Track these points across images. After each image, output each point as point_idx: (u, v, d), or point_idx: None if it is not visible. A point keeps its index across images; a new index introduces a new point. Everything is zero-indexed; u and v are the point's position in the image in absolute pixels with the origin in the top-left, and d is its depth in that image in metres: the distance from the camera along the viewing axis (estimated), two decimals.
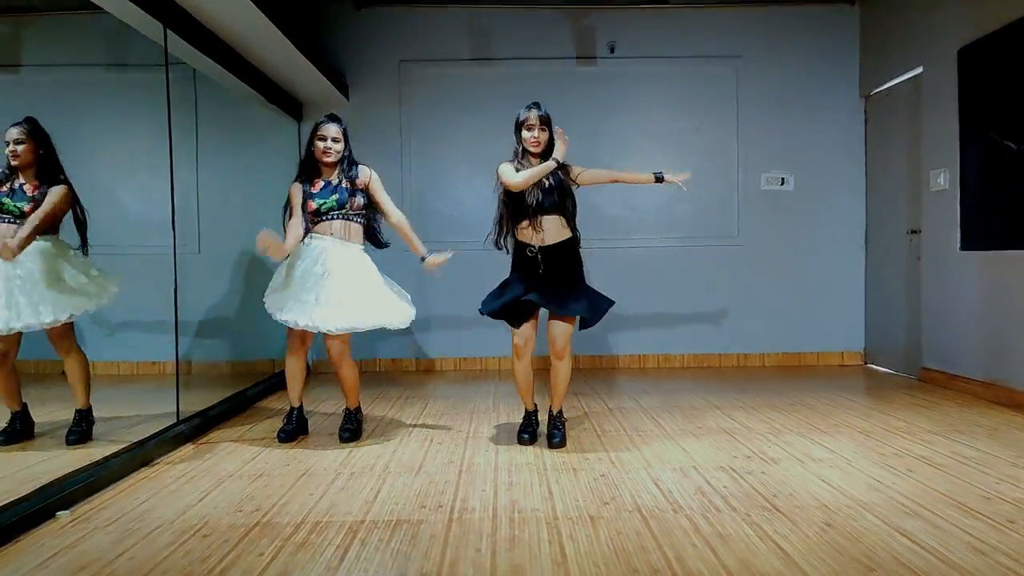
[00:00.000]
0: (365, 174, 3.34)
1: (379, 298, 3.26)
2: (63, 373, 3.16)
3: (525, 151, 3.14)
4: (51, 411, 3.38)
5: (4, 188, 3.08)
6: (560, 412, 3.26)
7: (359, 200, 3.29)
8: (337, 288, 3.16)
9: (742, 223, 5.52)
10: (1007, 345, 3.99)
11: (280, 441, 3.32)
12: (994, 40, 4.03)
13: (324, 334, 3.19)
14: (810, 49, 5.48)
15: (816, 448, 3.11)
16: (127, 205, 4.66)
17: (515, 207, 3.11)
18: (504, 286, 3.17)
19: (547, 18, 5.43)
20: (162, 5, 3.37)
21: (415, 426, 3.67)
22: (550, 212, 3.08)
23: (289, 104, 5.24)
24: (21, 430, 3.12)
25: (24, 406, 3.14)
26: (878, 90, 5.31)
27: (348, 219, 3.28)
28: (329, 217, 3.25)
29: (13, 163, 3.06)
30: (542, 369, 3.91)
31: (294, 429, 3.39)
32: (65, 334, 3.08)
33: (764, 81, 5.48)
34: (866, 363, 5.51)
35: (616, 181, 3.32)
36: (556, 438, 3.17)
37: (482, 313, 3.17)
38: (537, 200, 3.06)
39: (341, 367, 3.32)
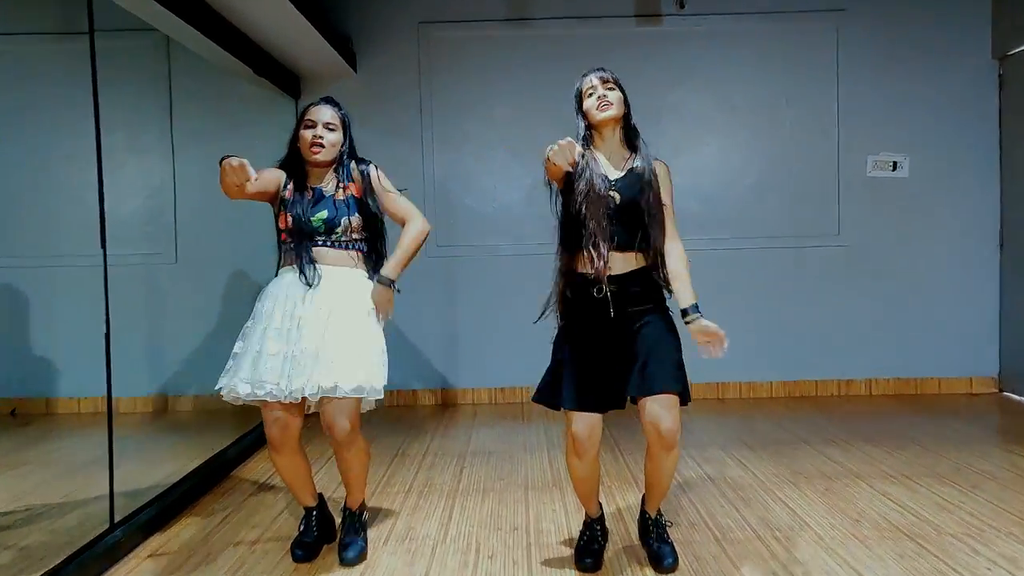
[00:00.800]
0: (370, 175, 2.29)
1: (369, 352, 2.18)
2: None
3: (590, 129, 2.12)
4: None
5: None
6: (659, 514, 2.23)
7: (356, 220, 2.24)
8: (321, 333, 2.12)
9: (844, 218, 4.47)
10: None
11: (296, 559, 2.23)
12: None
13: (320, 405, 2.16)
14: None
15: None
16: (63, 204, 3.72)
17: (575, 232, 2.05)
18: (564, 360, 2.07)
19: None
20: None
21: (451, 517, 2.65)
22: (625, 249, 2.04)
23: (285, 78, 4.26)
24: None
25: None
26: (1017, 50, 4.23)
27: (342, 247, 2.24)
28: (312, 243, 2.21)
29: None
30: None
31: (316, 541, 2.31)
32: None
33: (872, 40, 4.43)
34: (1001, 391, 4.45)
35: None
36: (668, 558, 2.12)
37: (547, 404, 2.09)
38: (607, 234, 2.01)
39: (342, 448, 2.19)
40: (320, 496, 2.36)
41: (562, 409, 2.04)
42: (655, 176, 2.09)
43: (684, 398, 2.03)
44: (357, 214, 2.24)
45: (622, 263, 2.03)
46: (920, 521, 2.44)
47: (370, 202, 2.26)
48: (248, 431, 3.64)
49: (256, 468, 3.29)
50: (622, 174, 2.09)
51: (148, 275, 4.01)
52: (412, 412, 4.34)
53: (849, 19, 4.43)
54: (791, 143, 4.47)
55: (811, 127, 4.47)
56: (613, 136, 2.13)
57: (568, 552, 2.26)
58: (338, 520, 2.37)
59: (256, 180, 2.00)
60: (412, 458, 3.36)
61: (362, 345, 2.14)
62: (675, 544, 2.19)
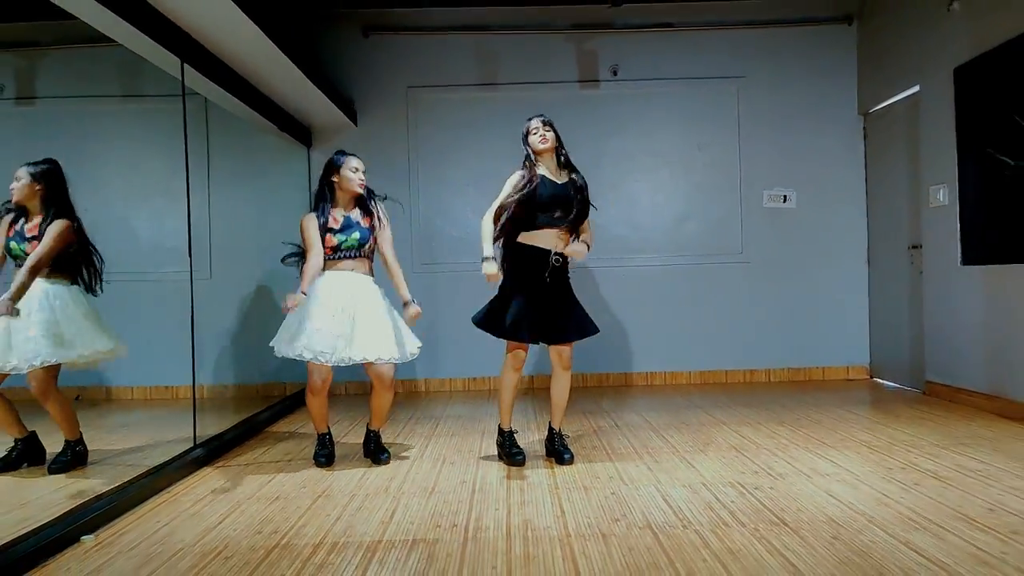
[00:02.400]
0: (384, 216, 3.41)
1: (401, 328, 3.36)
2: (77, 398, 3.22)
3: (531, 157, 3.22)
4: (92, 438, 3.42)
5: (12, 232, 3.07)
6: (561, 429, 3.37)
7: (370, 241, 3.36)
8: (371, 319, 3.24)
9: (746, 240, 5.59)
10: (1010, 358, 4.03)
11: (320, 465, 3.36)
12: (990, 59, 4.12)
13: (365, 365, 3.27)
14: (810, 68, 5.58)
15: (823, 463, 3.16)
16: (141, 233, 4.76)
17: (531, 210, 3.15)
18: (507, 301, 3.18)
19: (551, 43, 5.55)
20: (179, 39, 3.48)
21: (427, 447, 3.73)
22: (564, 231, 3.22)
23: (299, 131, 5.36)
24: (24, 456, 3.11)
25: (32, 433, 3.13)
26: (876, 108, 5.40)
27: (365, 257, 3.36)
28: (347, 255, 3.31)
29: (12, 200, 3.08)
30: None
31: (331, 452, 3.45)
32: (43, 378, 3.01)
33: (765, 100, 5.58)
34: (871, 377, 5.55)
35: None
36: (567, 454, 3.24)
37: (481, 326, 3.27)
38: (560, 214, 3.17)
39: (388, 391, 3.37)
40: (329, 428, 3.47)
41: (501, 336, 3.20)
42: (586, 186, 3.27)
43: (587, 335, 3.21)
44: (371, 237, 3.36)
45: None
46: (745, 442, 3.51)
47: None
48: (275, 402, 4.68)
49: (281, 427, 4.32)
50: (564, 181, 3.24)
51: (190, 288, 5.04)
52: (408, 396, 5.38)
53: (747, 84, 5.60)
54: (703, 180, 5.60)
55: (719, 168, 5.61)
56: (546, 155, 3.24)
57: (506, 465, 3.31)
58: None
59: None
60: (403, 419, 4.41)
61: (395, 325, 3.32)
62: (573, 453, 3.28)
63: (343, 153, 3.40)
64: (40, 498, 2.85)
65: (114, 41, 3.28)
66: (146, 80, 4.27)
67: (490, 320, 3.21)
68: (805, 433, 3.74)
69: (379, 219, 3.38)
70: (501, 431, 3.35)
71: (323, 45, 5.52)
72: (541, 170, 3.22)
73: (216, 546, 2.38)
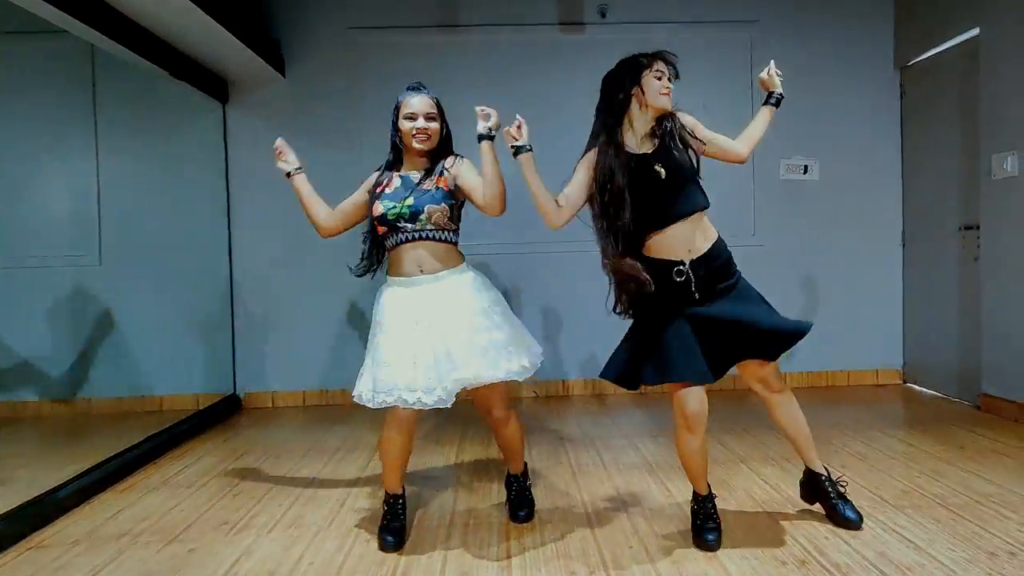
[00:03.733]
0: (460, 166, 2.34)
1: (508, 333, 2.28)
2: None
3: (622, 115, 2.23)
4: None
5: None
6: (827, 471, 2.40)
7: (444, 208, 2.27)
8: (456, 329, 2.21)
9: (759, 219, 4.68)
10: None
11: (386, 548, 2.27)
12: None
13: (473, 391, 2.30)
14: (837, 11, 4.65)
15: (892, 542, 2.25)
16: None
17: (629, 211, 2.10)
18: (645, 336, 2.16)
19: None
20: None
21: (356, 495, 2.79)
22: (687, 215, 2.17)
23: (211, 83, 4.33)
24: None
25: None
26: (919, 59, 4.47)
27: (431, 238, 2.27)
28: (403, 236, 2.27)
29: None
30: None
31: (404, 524, 2.38)
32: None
33: (783, 50, 4.59)
34: (905, 382, 4.69)
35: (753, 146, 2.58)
36: (850, 514, 2.32)
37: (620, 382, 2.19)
38: (667, 198, 2.13)
39: (504, 422, 2.41)
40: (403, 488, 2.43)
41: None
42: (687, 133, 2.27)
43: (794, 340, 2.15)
44: (444, 203, 2.27)
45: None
46: (773, 490, 2.62)
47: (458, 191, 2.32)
48: (171, 424, 3.72)
49: (179, 455, 3.37)
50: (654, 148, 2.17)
51: (76, 277, 4.04)
52: (357, 409, 4.44)
53: (762, 30, 4.64)
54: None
55: (726, 132, 4.64)
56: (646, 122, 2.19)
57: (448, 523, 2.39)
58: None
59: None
60: (331, 449, 3.48)
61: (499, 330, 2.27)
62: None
63: (409, 88, 2.38)
64: None
65: None
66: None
67: (633, 367, 2.16)
68: (858, 484, 2.82)
69: (454, 172, 2.32)
70: (696, 497, 2.30)
71: None
72: (628, 140, 2.19)
73: None
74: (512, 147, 2.16)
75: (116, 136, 3.99)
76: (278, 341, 4.56)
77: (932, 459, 3.07)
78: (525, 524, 2.46)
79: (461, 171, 2.32)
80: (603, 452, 3.33)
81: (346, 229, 2.46)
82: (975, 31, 3.94)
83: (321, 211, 2.44)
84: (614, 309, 2.18)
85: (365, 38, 4.56)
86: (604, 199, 2.11)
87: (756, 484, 2.80)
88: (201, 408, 4.09)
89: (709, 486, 2.29)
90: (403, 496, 2.41)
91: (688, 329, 2.12)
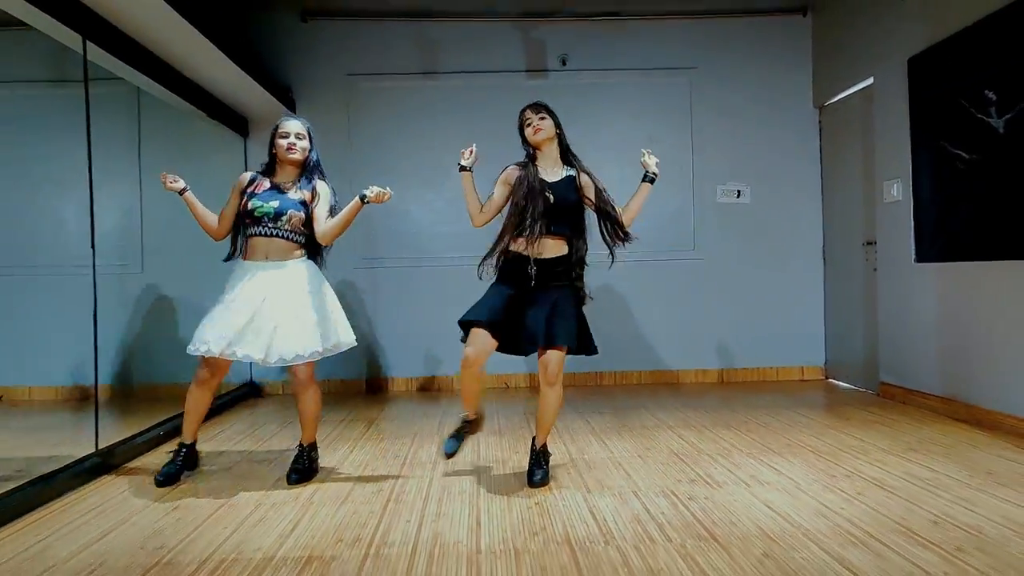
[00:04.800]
0: (322, 190, 2.95)
1: (332, 316, 2.93)
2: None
3: (530, 152, 2.84)
4: None
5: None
6: (545, 447, 2.93)
7: (300, 215, 2.89)
8: (285, 312, 2.81)
9: (699, 236, 5.42)
10: (965, 359, 3.90)
11: (158, 485, 2.89)
12: (943, 49, 3.99)
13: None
14: (764, 60, 5.44)
15: (765, 470, 2.97)
16: (52, 223, 4.45)
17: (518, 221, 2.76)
18: (490, 295, 2.80)
19: (497, 31, 5.33)
20: (80, 15, 3.20)
21: (352, 451, 3.47)
22: (555, 237, 2.78)
23: (234, 120, 5.07)
24: None
25: None
26: (832, 100, 5.27)
27: (283, 237, 2.88)
28: (262, 231, 2.87)
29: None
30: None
31: (180, 469, 2.99)
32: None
33: (719, 92, 5.42)
34: (827, 378, 5.41)
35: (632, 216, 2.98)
36: (538, 476, 2.83)
37: (463, 325, 2.79)
38: (542, 224, 2.73)
39: (305, 394, 2.97)
40: (195, 439, 3.08)
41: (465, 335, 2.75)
42: (582, 184, 2.83)
43: (582, 350, 2.78)
44: (301, 213, 2.89)
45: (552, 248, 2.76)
46: (687, 447, 3.31)
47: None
48: None
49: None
50: (558, 179, 2.79)
51: (120, 282, 4.72)
52: (348, 396, 5.10)
53: (700, 75, 5.43)
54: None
55: (670, 162, 5.42)
56: (543, 147, 2.82)
57: (431, 472, 3.07)
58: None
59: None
60: (335, 421, 4.15)
61: (319, 316, 2.90)
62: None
63: (285, 115, 3.10)
64: None
65: (25, 24, 3.02)
66: (71, 65, 4.00)
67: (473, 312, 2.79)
68: (751, 438, 3.56)
69: (316, 194, 2.92)
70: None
71: (260, 30, 5.24)
72: (542, 165, 2.83)
73: (91, 563, 2.14)
74: (459, 164, 2.88)
75: (155, 164, 4.69)
76: None
77: (820, 426, 3.79)
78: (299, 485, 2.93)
79: (320, 196, 2.92)
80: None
81: (231, 232, 3.00)
82: (871, 80, 4.74)
83: (211, 220, 2.98)
84: (478, 270, 2.82)
85: (361, 83, 5.33)
86: (516, 201, 2.78)
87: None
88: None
89: (479, 413, 3.03)
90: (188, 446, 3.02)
91: (505, 296, 2.74)
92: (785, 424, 3.85)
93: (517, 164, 2.89)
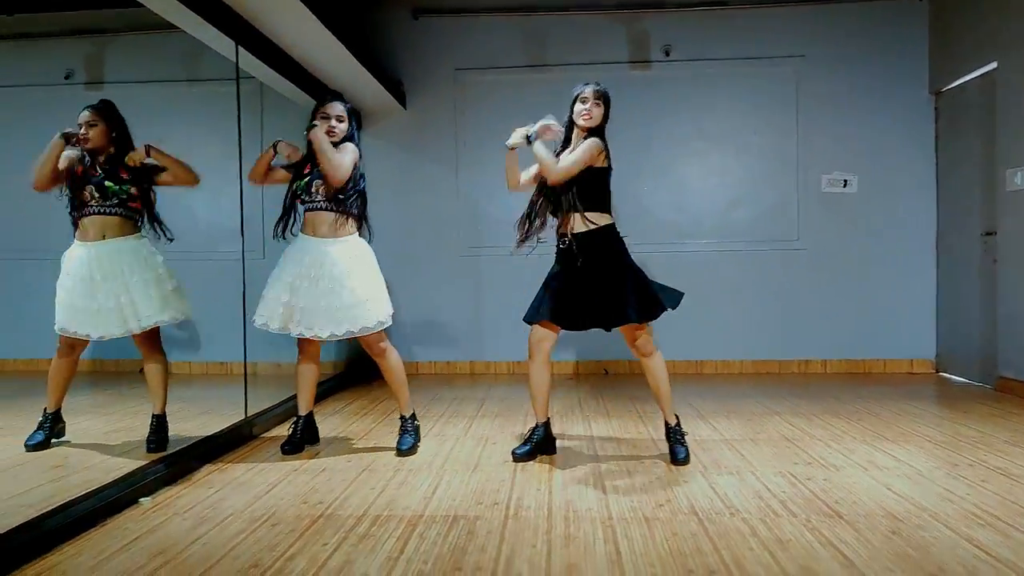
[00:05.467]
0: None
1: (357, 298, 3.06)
2: (141, 371, 3.17)
3: (572, 125, 2.98)
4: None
5: (96, 173, 2.98)
6: (678, 422, 3.01)
7: (323, 181, 3.02)
8: (333, 289, 3.02)
9: (803, 226, 5.38)
10: None
11: (285, 453, 3.15)
12: None
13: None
14: (876, 46, 5.32)
15: (881, 456, 3.00)
16: (198, 213, 4.87)
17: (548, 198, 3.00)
18: (545, 288, 2.99)
19: (600, 23, 5.44)
20: (233, 23, 3.53)
21: (470, 426, 3.71)
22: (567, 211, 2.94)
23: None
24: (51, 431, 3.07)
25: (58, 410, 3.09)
26: (949, 87, 5.11)
27: (327, 209, 3.06)
28: (307, 205, 3.10)
29: (86, 146, 2.97)
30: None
31: (301, 439, 3.24)
32: (154, 337, 3.09)
33: (827, 81, 5.34)
34: (937, 372, 5.28)
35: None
36: (681, 454, 2.93)
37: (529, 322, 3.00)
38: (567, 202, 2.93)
39: (382, 363, 3.18)
40: (311, 411, 3.34)
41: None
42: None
43: (653, 313, 2.84)
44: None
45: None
46: (798, 433, 3.37)
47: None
48: (326, 379, 4.73)
49: (327, 405, 4.38)
50: None
51: (247, 268, 5.13)
52: (452, 377, 5.38)
53: (807, 63, 5.37)
54: (758, 164, 5.41)
55: (774, 152, 5.41)
56: (586, 131, 2.95)
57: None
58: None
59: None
60: (448, 399, 4.41)
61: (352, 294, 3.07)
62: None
63: (328, 97, 3.17)
64: (104, 462, 2.95)
65: (175, 28, 3.36)
66: (204, 65, 4.36)
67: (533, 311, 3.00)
68: (863, 426, 3.57)
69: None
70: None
71: (373, 27, 5.54)
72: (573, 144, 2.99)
73: (264, 513, 2.42)
74: (527, 136, 2.96)
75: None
76: None
77: (935, 417, 3.76)
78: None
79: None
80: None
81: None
82: (994, 64, 4.58)
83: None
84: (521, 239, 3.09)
85: (469, 77, 5.56)
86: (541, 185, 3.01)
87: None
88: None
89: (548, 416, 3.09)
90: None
91: (555, 285, 2.92)
92: (896, 414, 3.83)
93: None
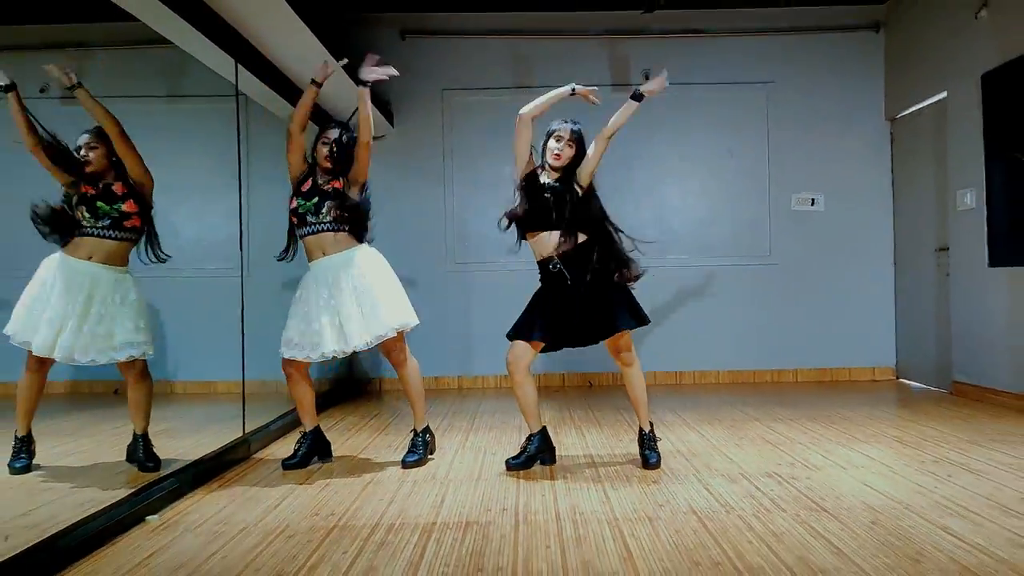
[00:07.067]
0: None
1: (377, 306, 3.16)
2: (116, 392, 3.13)
3: (544, 162, 3.07)
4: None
5: (91, 191, 2.94)
6: (652, 429, 3.19)
7: (335, 203, 3.13)
8: (353, 302, 3.11)
9: (774, 242, 5.68)
10: None
11: (287, 469, 3.20)
12: (1017, 65, 4.20)
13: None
14: (838, 74, 5.67)
15: (857, 456, 3.25)
16: (184, 229, 4.86)
17: (528, 210, 3.01)
18: (535, 308, 3.08)
19: (584, 47, 5.69)
20: (234, 42, 3.64)
21: (467, 439, 3.86)
22: (558, 228, 3.01)
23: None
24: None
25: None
26: (903, 113, 5.48)
27: (332, 230, 3.16)
28: (311, 228, 3.16)
29: (88, 169, 2.97)
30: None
31: (307, 455, 3.29)
32: (138, 366, 3.03)
33: (794, 105, 5.67)
34: (898, 378, 5.62)
35: (613, 134, 3.08)
36: (652, 458, 3.11)
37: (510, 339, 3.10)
38: (544, 216, 2.99)
39: (401, 372, 3.30)
40: (317, 424, 3.38)
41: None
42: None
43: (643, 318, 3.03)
44: (337, 200, 3.15)
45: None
46: (779, 437, 3.61)
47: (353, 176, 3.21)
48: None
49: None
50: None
51: (229, 285, 5.14)
52: (441, 392, 5.50)
53: (776, 89, 5.70)
54: (733, 183, 5.70)
55: (748, 172, 5.71)
56: (557, 172, 3.07)
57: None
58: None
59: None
60: (440, 413, 4.54)
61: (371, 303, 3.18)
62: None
63: (330, 125, 3.34)
64: (102, 481, 2.94)
65: (167, 42, 3.36)
66: (192, 81, 4.42)
67: (522, 328, 3.10)
68: (837, 429, 3.83)
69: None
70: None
71: (361, 47, 5.66)
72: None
73: (276, 526, 2.48)
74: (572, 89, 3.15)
75: (261, 170, 5.05)
76: None
77: (900, 420, 4.05)
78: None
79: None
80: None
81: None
82: (944, 94, 4.95)
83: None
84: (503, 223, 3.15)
85: (456, 97, 5.74)
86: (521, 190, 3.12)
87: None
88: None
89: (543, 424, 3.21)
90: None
91: (547, 307, 3.03)
92: (866, 418, 4.11)
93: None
